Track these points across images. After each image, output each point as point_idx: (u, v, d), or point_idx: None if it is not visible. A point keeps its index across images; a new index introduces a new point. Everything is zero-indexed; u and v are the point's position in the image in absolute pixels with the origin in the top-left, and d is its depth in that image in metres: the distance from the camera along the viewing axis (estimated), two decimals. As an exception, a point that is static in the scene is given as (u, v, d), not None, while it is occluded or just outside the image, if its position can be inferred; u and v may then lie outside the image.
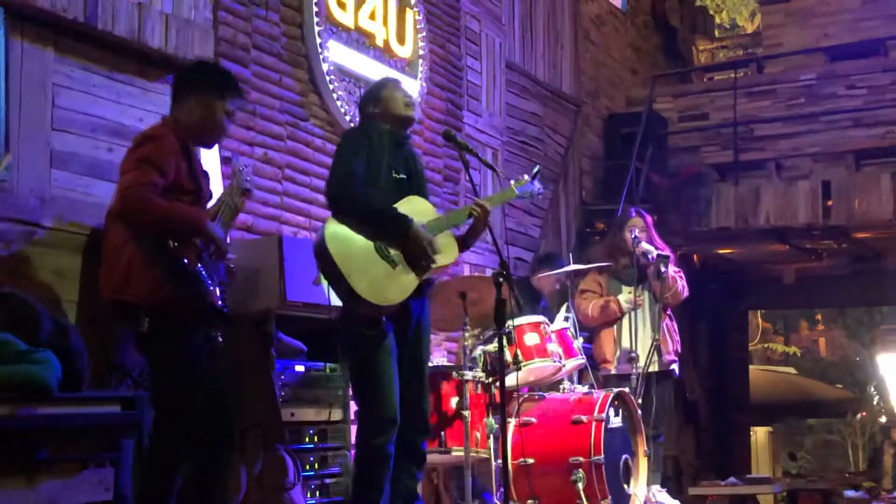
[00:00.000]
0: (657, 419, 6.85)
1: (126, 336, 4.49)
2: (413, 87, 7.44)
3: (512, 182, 5.42)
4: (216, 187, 4.65)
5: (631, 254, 6.94)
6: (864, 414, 20.81)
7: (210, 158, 5.32)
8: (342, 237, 4.61)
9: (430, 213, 4.90)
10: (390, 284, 4.65)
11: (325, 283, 4.81)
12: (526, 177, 5.41)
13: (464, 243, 5.04)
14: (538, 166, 5.75)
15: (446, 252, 4.86)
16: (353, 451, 5.35)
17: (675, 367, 7.11)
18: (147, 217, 4.03)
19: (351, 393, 5.41)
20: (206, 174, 4.45)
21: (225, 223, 4.39)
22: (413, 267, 4.72)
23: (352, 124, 6.84)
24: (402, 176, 4.85)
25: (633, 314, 6.83)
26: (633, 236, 6.93)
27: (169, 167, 4.10)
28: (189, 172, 4.25)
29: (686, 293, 7.15)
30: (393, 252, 4.69)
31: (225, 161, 4.73)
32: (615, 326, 7.04)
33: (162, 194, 4.06)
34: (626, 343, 6.93)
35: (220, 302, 4.19)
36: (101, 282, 4.19)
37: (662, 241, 7.21)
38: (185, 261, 4.07)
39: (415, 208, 4.82)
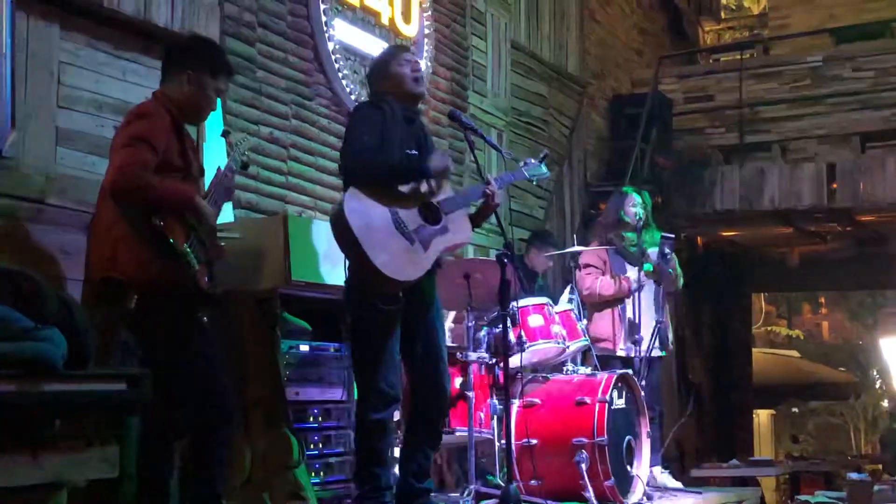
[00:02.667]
0: (657, 400, 6.87)
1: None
2: (418, 66, 7.42)
3: (520, 164, 5.41)
4: (217, 161, 4.65)
5: (635, 230, 6.92)
6: (858, 397, 20.81)
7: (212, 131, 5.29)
8: (362, 210, 4.57)
9: (445, 191, 4.90)
10: (408, 260, 4.63)
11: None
12: (533, 161, 5.40)
13: (472, 222, 5.04)
14: (545, 150, 5.74)
15: (460, 230, 4.87)
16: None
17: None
18: (139, 196, 4.03)
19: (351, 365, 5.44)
20: (195, 150, 4.44)
21: (217, 200, 4.38)
22: (430, 219, 4.73)
23: (357, 104, 6.83)
24: (415, 152, 4.83)
25: (636, 295, 6.82)
26: (633, 214, 6.93)
27: (161, 144, 4.10)
28: (179, 149, 4.24)
29: (681, 280, 7.16)
30: (411, 228, 4.68)
31: (223, 134, 4.72)
32: (619, 306, 7.01)
33: (154, 172, 4.07)
34: (629, 324, 6.91)
35: (206, 282, 4.19)
36: (89, 259, 4.21)
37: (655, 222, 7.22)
38: (173, 241, 4.07)
39: None
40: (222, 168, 4.47)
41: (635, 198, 7.06)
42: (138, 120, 4.15)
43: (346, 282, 4.83)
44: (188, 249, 4.11)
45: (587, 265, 7.13)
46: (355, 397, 5.46)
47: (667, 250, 6.84)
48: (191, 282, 4.13)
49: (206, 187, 4.42)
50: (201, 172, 4.45)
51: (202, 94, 4.33)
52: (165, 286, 4.08)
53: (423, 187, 4.72)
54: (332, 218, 4.68)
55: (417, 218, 4.72)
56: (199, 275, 4.15)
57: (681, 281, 7.13)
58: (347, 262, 4.76)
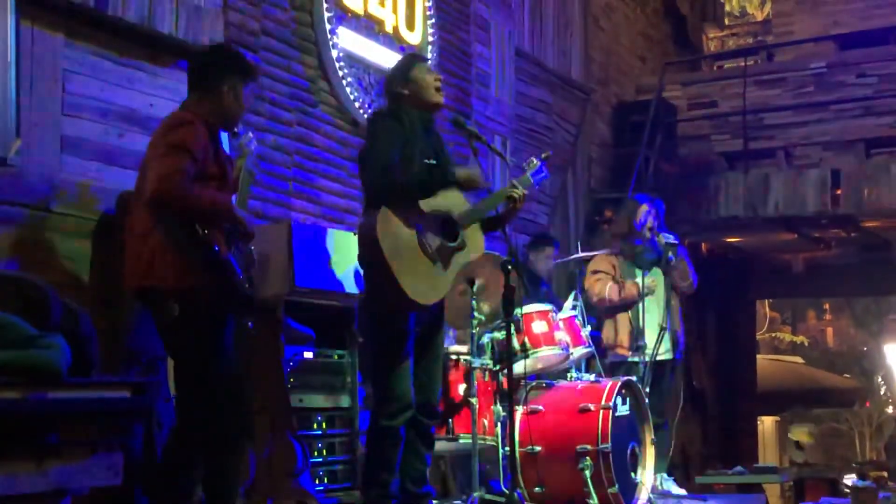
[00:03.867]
0: (669, 407, 6.85)
1: (141, 321, 4.52)
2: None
3: (523, 165, 5.40)
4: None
5: (644, 238, 6.92)
6: (868, 404, 20.78)
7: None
8: (393, 231, 4.64)
9: (462, 203, 4.92)
10: (431, 283, 4.72)
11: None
12: (535, 160, 5.39)
13: (494, 225, 5.05)
14: (549, 151, 5.72)
15: (473, 245, 4.91)
16: (362, 436, 5.39)
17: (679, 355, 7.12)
18: (179, 204, 4.03)
19: (361, 374, 5.45)
20: (229, 158, 4.46)
21: (242, 200, 4.44)
22: (449, 235, 4.77)
23: (360, 111, 6.85)
24: (433, 161, 4.84)
25: (645, 300, 6.82)
26: (644, 222, 6.92)
27: (199, 152, 4.10)
28: (215, 157, 4.26)
29: (696, 282, 7.16)
30: (433, 247, 4.72)
31: (232, 134, 4.73)
32: (630, 312, 6.99)
33: (193, 180, 4.07)
34: (634, 329, 6.90)
35: (248, 289, 4.21)
36: (125, 270, 4.17)
37: (668, 230, 7.20)
38: (217, 248, 4.08)
39: (448, 199, 4.85)
40: (241, 167, 4.51)
41: (647, 206, 7.05)
42: (177, 128, 4.14)
43: (366, 293, 4.88)
44: (231, 257, 4.13)
45: (597, 271, 7.13)
46: (360, 404, 5.50)
47: (671, 256, 6.84)
48: (233, 289, 4.14)
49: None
50: (234, 183, 4.47)
51: (241, 103, 4.37)
52: (207, 293, 4.08)
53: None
54: (363, 238, 4.75)
55: (438, 235, 4.78)
56: (241, 283, 4.17)
57: (690, 273, 7.12)
58: (367, 276, 4.81)
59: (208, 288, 4.08)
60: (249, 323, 4.32)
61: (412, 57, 5.17)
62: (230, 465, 4.29)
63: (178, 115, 4.29)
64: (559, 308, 6.46)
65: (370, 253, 4.68)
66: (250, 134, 4.67)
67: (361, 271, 4.95)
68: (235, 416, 4.23)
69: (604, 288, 7.01)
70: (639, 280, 6.91)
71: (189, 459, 4.18)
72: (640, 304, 6.82)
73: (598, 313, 7.10)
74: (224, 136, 4.63)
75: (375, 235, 4.61)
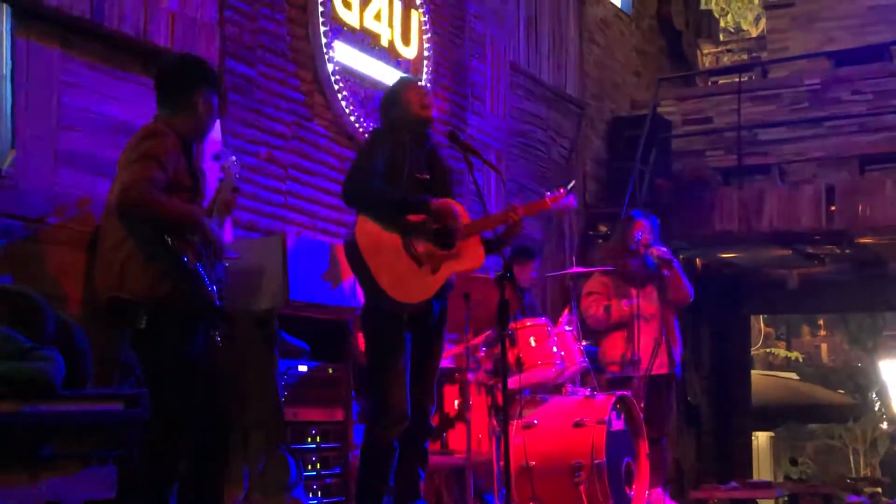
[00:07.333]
0: (665, 422, 6.85)
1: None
2: (418, 88, 7.45)
3: (548, 195, 5.37)
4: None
5: (638, 255, 6.92)
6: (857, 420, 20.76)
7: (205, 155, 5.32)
8: (372, 232, 4.67)
9: (462, 218, 4.92)
10: (414, 282, 4.70)
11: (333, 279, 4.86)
12: (562, 190, 5.37)
13: (494, 247, 5.04)
14: (573, 181, 5.71)
15: (471, 256, 4.90)
16: (354, 451, 5.39)
17: (677, 369, 7.11)
18: (144, 212, 4.03)
19: (356, 386, 5.45)
20: (203, 172, 4.46)
21: (219, 221, 4.43)
22: (443, 243, 4.75)
23: (356, 125, 6.87)
24: (426, 176, 4.87)
25: (639, 316, 6.81)
26: (639, 238, 6.92)
27: (170, 163, 4.11)
28: (188, 169, 4.26)
29: (692, 294, 7.16)
30: (421, 251, 4.72)
31: (215, 157, 4.75)
32: (626, 329, 6.97)
33: (163, 191, 4.07)
34: (634, 345, 6.90)
35: (218, 300, 4.21)
36: (96, 280, 4.20)
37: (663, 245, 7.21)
38: (185, 258, 4.08)
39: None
40: (218, 189, 4.51)
41: (643, 222, 7.05)
42: (147, 139, 4.16)
43: (364, 302, 4.90)
44: (199, 267, 4.12)
45: (591, 293, 7.12)
46: (353, 418, 5.50)
47: (665, 272, 6.85)
48: (204, 299, 4.13)
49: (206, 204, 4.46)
50: (205, 194, 4.47)
51: (213, 113, 4.39)
52: (177, 304, 4.08)
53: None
54: (345, 241, 4.78)
55: (429, 242, 4.77)
56: (210, 293, 4.17)
57: (686, 286, 7.11)
58: (357, 281, 4.84)
59: (178, 299, 4.08)
60: (217, 335, 4.29)
61: (402, 80, 5.26)
62: (210, 476, 4.28)
63: (149, 126, 4.30)
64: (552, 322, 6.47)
65: (350, 254, 4.72)
66: (233, 157, 4.69)
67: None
68: (211, 427, 4.23)
69: (598, 309, 7.02)
70: (632, 298, 6.92)
71: (164, 471, 4.18)
72: (636, 321, 6.81)
73: (593, 332, 7.10)
74: (202, 151, 4.66)
75: (354, 236, 4.65)
